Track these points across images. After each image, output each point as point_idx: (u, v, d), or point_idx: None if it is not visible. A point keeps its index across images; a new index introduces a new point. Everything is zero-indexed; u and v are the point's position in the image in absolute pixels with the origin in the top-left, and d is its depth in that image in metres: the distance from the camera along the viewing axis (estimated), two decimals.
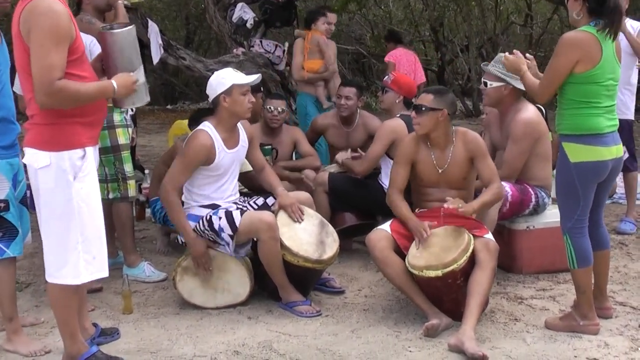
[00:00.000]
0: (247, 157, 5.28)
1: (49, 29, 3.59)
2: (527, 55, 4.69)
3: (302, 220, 5.06)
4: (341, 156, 6.24)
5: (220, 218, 4.86)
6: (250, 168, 5.48)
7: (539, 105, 7.79)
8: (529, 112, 5.39)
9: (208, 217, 4.91)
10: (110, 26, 4.20)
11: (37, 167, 3.77)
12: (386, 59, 10.13)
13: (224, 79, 4.96)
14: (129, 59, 4.01)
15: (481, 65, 5.60)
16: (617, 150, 4.36)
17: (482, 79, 5.51)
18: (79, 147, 3.80)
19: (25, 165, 3.99)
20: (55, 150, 3.74)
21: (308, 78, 8.06)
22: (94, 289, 5.23)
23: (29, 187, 4.26)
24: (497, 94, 5.42)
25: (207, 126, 4.99)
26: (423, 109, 4.83)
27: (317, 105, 8.06)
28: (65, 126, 3.75)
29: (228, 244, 4.86)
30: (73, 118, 3.76)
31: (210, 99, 4.99)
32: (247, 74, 5.12)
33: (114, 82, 3.85)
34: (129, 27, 4.09)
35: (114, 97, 4.02)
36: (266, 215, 4.90)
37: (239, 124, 5.14)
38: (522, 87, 5.37)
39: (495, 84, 5.39)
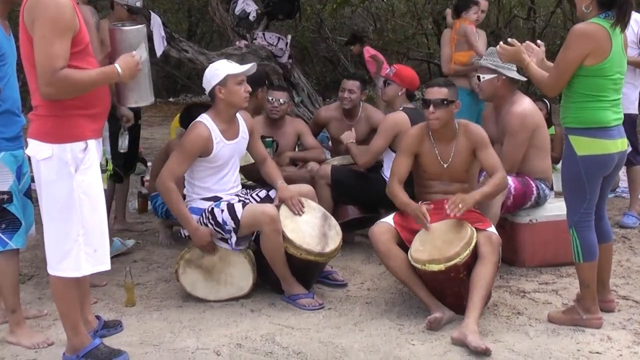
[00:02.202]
0: (248, 149, 5.28)
1: (51, 19, 3.59)
2: (538, 41, 4.66)
3: (303, 213, 5.05)
4: (347, 136, 6.22)
5: (222, 211, 4.86)
6: (253, 160, 5.48)
7: (545, 100, 7.80)
8: (524, 104, 5.40)
9: (210, 209, 4.90)
10: (122, 24, 4.20)
11: (39, 159, 3.78)
12: (370, 55, 9.95)
13: (217, 71, 4.95)
14: None
15: (473, 60, 5.60)
16: (622, 144, 4.35)
17: (476, 74, 5.53)
18: (81, 139, 3.80)
19: (29, 157, 3.99)
20: (57, 142, 3.75)
21: (455, 71, 7.47)
22: (98, 285, 5.24)
23: (33, 179, 4.27)
24: (491, 86, 5.43)
25: (204, 118, 4.99)
26: (445, 102, 4.82)
27: (472, 97, 7.28)
28: (67, 118, 3.75)
29: (230, 237, 4.86)
30: (76, 110, 3.77)
31: (207, 91, 5.00)
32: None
33: (117, 65, 3.83)
34: (140, 26, 4.09)
35: (118, 95, 4.02)
36: (268, 207, 4.90)
37: (238, 116, 5.13)
38: (515, 76, 5.39)
39: (488, 76, 5.40)
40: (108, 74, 3.84)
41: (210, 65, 5.10)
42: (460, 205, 4.52)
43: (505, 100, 5.43)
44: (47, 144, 3.76)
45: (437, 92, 4.88)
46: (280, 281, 5.00)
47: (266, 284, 5.16)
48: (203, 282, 4.99)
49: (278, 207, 5.02)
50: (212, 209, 4.90)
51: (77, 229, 3.81)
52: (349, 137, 6.20)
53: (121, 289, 5.17)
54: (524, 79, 5.54)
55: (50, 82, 3.61)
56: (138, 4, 6.44)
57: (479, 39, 7.48)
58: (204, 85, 5.02)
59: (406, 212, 4.82)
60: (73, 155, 3.77)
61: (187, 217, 4.90)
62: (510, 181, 5.28)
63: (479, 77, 5.49)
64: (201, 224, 4.90)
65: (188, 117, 5.33)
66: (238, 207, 4.86)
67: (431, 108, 4.86)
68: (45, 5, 3.60)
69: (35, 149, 3.79)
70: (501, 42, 4.60)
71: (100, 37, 6.00)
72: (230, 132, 5.03)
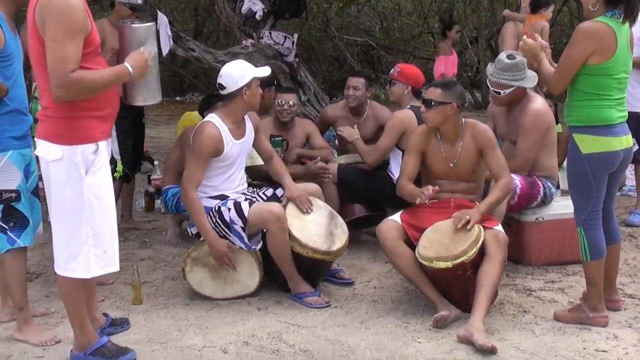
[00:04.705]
0: (254, 146, 5.28)
1: (64, 21, 3.58)
2: (543, 42, 4.67)
3: (311, 211, 5.06)
4: (349, 134, 6.18)
5: (229, 209, 4.87)
6: (260, 162, 5.49)
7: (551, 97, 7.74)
8: (537, 102, 5.38)
9: (217, 208, 4.91)
10: (131, 21, 4.20)
11: (49, 160, 3.78)
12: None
13: (245, 72, 4.95)
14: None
15: (488, 81, 5.48)
16: (627, 140, 4.35)
17: (493, 89, 5.45)
18: (92, 141, 3.80)
19: (37, 157, 4.00)
20: (68, 143, 3.75)
21: None
22: (105, 283, 5.26)
23: (41, 178, 4.28)
24: (511, 95, 5.39)
25: (213, 118, 4.99)
26: (432, 103, 4.83)
27: None
28: (78, 120, 3.75)
29: (241, 237, 4.86)
30: (86, 112, 3.77)
31: (228, 91, 4.95)
32: (255, 65, 5.13)
33: (127, 64, 3.82)
34: (149, 24, 4.09)
35: (125, 93, 4.02)
36: (274, 206, 4.91)
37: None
38: (533, 85, 5.36)
39: (509, 90, 5.35)
40: (120, 74, 3.82)
41: (234, 65, 5.07)
42: (467, 217, 4.54)
43: (519, 100, 5.41)
44: (58, 145, 3.75)
45: (430, 92, 4.92)
46: (286, 279, 5.01)
47: (273, 282, 5.17)
48: (210, 280, 5.00)
49: (285, 204, 5.03)
50: (219, 207, 4.91)
51: (86, 230, 3.82)
52: (352, 134, 6.18)
53: (128, 287, 5.18)
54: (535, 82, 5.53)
55: (62, 85, 3.60)
56: (139, 0, 6.41)
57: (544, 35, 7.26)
58: (227, 84, 4.95)
59: (415, 208, 4.81)
60: (84, 157, 3.77)
61: (207, 227, 4.88)
62: (517, 180, 5.27)
63: (498, 92, 5.42)
64: (209, 223, 4.91)
65: (207, 107, 5.32)
66: (245, 206, 4.87)
67: (422, 107, 4.95)
68: (58, 7, 3.59)
69: (45, 150, 3.79)
70: (524, 37, 4.60)
71: (101, 38, 6.02)
72: (238, 131, 5.04)
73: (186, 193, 4.88)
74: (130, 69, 3.82)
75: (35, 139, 3.88)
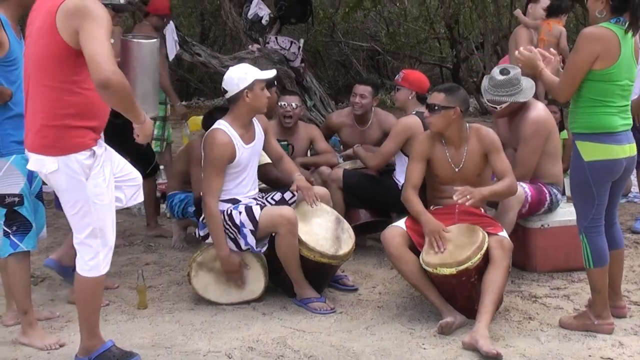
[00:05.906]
0: (264, 149, 5.29)
1: (103, 21, 3.52)
2: (552, 50, 4.65)
3: (316, 205, 5.07)
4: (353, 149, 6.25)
5: (240, 213, 4.87)
6: (266, 160, 5.49)
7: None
8: (537, 110, 5.37)
9: (229, 212, 4.91)
10: (133, 35, 4.18)
11: (45, 173, 3.75)
12: None
13: (246, 74, 4.96)
14: (151, 71, 3.99)
15: (484, 99, 5.51)
16: (631, 149, 4.34)
17: (489, 104, 5.49)
18: (85, 149, 3.74)
19: None
20: (61, 154, 3.69)
21: None
22: (110, 287, 5.26)
23: (44, 182, 4.27)
24: (508, 110, 5.41)
25: (222, 124, 4.99)
26: (436, 107, 4.83)
27: None
28: (69, 129, 3.68)
29: (247, 239, 4.87)
30: (76, 121, 3.69)
31: (230, 94, 4.97)
32: (262, 70, 5.13)
33: (146, 117, 3.79)
34: (154, 40, 4.08)
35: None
36: (285, 210, 4.91)
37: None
38: (529, 98, 5.35)
39: (504, 104, 5.36)
40: (138, 113, 3.74)
41: (236, 69, 5.08)
42: (468, 197, 4.53)
43: (518, 109, 5.41)
44: (51, 157, 3.70)
45: (433, 97, 4.91)
46: (292, 284, 5.01)
47: (278, 287, 5.17)
48: (215, 285, 5.00)
49: (294, 208, 5.03)
50: (231, 211, 4.91)
51: (94, 231, 3.80)
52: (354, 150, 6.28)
53: (133, 291, 5.18)
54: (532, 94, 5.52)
55: (115, 70, 3.47)
56: (122, 0, 6.33)
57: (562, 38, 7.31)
58: (229, 87, 4.98)
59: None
60: (80, 164, 3.71)
61: (223, 243, 4.90)
62: (527, 189, 5.27)
63: (494, 107, 5.44)
64: None
65: (211, 121, 5.31)
66: (256, 210, 4.87)
67: (426, 112, 4.96)
68: (94, 8, 3.53)
69: (39, 163, 3.74)
70: (521, 48, 4.59)
71: None
72: (247, 135, 5.04)
73: (208, 206, 4.87)
74: (143, 121, 3.78)
75: (27, 152, 3.83)
